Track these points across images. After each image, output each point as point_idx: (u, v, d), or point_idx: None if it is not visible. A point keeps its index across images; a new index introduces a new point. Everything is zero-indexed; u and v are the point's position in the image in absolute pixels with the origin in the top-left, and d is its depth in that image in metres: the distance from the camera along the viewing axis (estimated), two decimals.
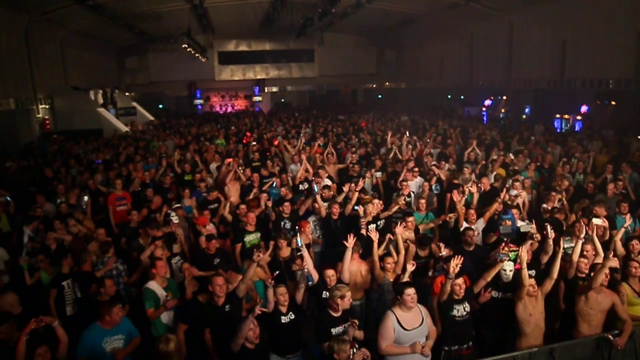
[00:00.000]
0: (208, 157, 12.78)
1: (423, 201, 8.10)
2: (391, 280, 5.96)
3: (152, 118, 26.68)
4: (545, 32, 20.17)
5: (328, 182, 9.85)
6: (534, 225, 6.24)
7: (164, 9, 22.43)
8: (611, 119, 18.17)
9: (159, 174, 10.96)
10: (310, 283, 5.43)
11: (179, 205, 8.62)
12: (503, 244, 5.46)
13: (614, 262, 5.44)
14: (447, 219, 7.50)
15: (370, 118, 23.08)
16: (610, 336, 5.15)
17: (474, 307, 5.44)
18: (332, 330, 4.79)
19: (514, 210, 7.69)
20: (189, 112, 32.27)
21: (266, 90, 35.69)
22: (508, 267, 5.42)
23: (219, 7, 23.88)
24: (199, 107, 35.18)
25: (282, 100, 37.57)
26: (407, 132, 14.65)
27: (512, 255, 5.41)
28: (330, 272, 5.53)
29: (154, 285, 5.69)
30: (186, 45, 24.20)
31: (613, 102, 18.44)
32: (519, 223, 7.10)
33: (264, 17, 26.41)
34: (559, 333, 5.72)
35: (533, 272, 5.65)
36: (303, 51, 34.83)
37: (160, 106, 34.80)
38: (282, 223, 7.77)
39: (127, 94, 29.84)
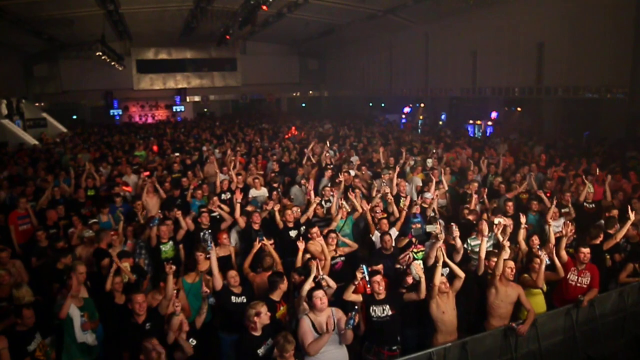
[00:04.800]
0: (122, 170, 12.25)
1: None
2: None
3: (64, 130, 25.12)
4: (458, 43, 21.33)
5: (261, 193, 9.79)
6: (438, 226, 6.58)
7: (76, 14, 21.19)
8: (517, 124, 19.57)
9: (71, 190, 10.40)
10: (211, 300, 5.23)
11: (95, 221, 8.24)
12: (412, 246, 5.70)
13: (507, 254, 5.84)
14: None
15: (294, 126, 23.26)
16: (514, 325, 5.51)
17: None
18: (257, 351, 4.68)
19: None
20: (105, 123, 30.72)
21: (188, 100, 34.80)
22: (420, 266, 5.66)
23: (135, 13, 22.97)
24: (117, 117, 33.61)
25: (205, 109, 36.82)
26: (328, 142, 14.90)
27: (419, 255, 5.67)
28: (232, 273, 5.70)
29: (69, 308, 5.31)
30: (100, 53, 23.06)
31: (519, 109, 19.88)
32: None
33: (183, 24, 25.77)
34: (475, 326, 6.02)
35: (446, 271, 5.91)
36: (225, 60, 34.41)
37: (74, 117, 32.88)
38: (202, 234, 7.60)
39: (36, 104, 27.90)
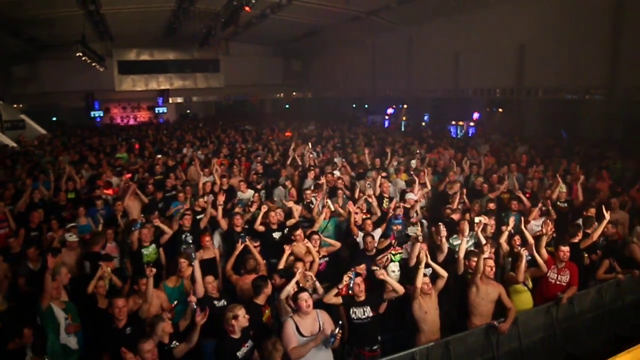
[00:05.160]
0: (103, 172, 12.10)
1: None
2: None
3: (43, 132, 24.68)
4: (440, 45, 21.47)
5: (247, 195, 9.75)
6: (419, 228, 6.64)
7: (56, 14, 20.86)
8: (499, 125, 19.82)
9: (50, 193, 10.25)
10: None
11: (73, 224, 8.11)
12: (391, 248, 5.73)
13: (487, 253, 5.92)
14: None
15: (276, 128, 23.26)
16: (496, 323, 5.57)
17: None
18: (237, 354, 4.65)
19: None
20: (86, 125, 30.29)
21: (170, 101, 34.40)
22: (395, 269, 5.68)
23: (117, 14, 22.67)
24: (98, 119, 33.14)
25: (188, 111, 36.52)
26: (310, 143, 14.92)
27: (396, 257, 5.69)
28: (209, 279, 5.62)
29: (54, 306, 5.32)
30: (81, 54, 22.70)
31: (500, 109, 20.12)
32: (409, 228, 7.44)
33: (166, 25, 25.56)
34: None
35: (429, 271, 5.94)
36: (208, 61, 34.13)
37: (54, 118, 32.33)
38: (183, 236, 7.54)
39: (14, 105, 27.34)
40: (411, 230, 6.93)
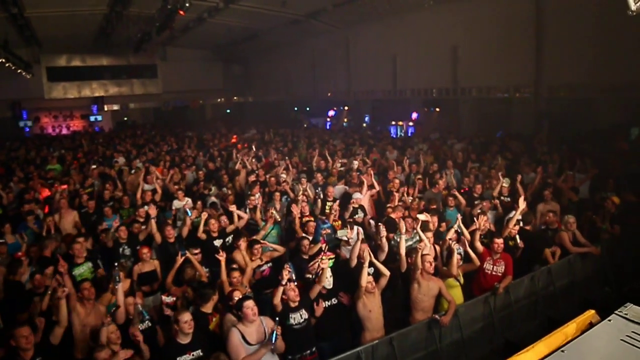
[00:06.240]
0: (34, 186, 11.45)
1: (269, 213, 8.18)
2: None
3: None
4: (378, 47, 21.93)
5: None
6: (349, 231, 6.74)
7: None
8: (437, 124, 20.46)
9: None
10: (147, 318, 5.04)
11: (2, 241, 7.61)
12: (322, 253, 5.76)
13: (427, 249, 6.08)
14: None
15: (218, 133, 22.92)
16: (437, 317, 5.74)
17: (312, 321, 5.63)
18: (177, 358, 4.54)
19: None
20: (14, 136, 28.48)
21: (106, 109, 33.05)
22: (328, 274, 5.72)
23: (43, 17, 21.47)
24: (27, 129, 31.29)
25: (125, 118, 35.24)
26: (253, 147, 14.82)
27: (330, 262, 5.73)
28: (129, 300, 5.43)
29: None
30: (4, 60, 21.37)
31: (437, 109, 20.78)
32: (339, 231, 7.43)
33: (98, 30, 24.53)
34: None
35: (372, 270, 6.02)
36: (145, 66, 33.05)
37: None
38: (121, 249, 7.25)
39: None
40: (340, 234, 6.99)
